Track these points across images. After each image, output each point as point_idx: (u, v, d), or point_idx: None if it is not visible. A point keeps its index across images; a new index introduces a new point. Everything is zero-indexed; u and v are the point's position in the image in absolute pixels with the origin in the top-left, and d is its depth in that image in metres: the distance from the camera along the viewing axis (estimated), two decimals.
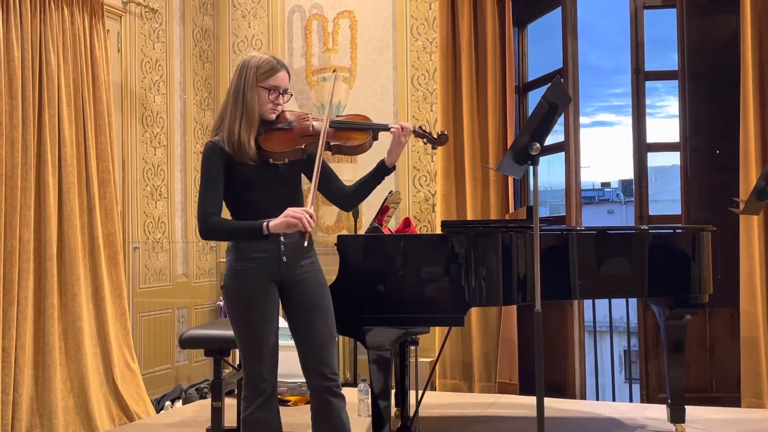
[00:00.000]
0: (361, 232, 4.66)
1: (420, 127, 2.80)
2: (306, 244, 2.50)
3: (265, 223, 2.51)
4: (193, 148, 5.44)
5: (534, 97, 5.35)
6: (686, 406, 3.64)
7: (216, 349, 3.42)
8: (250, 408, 2.60)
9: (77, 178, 4.17)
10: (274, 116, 2.68)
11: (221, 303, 5.55)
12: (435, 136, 2.80)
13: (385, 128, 2.72)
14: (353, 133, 2.71)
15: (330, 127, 2.67)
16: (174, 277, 5.21)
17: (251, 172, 2.60)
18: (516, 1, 5.16)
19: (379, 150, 2.79)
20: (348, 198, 2.81)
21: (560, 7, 5.04)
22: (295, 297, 2.66)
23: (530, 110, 5.18)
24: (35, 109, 3.96)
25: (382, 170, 2.72)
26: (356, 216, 5.01)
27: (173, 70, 5.26)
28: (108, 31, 4.52)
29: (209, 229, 2.58)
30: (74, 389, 4.07)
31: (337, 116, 2.76)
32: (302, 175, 2.78)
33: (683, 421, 3.62)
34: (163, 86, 5.14)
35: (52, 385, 3.93)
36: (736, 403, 4.46)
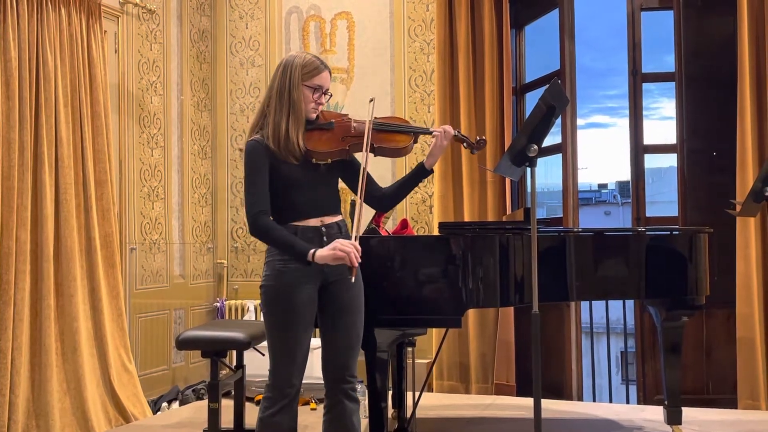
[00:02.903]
0: None
1: (458, 131, 2.83)
2: (353, 279, 2.48)
3: (311, 251, 2.49)
4: (190, 149, 5.44)
5: (531, 99, 5.35)
6: (683, 408, 3.64)
7: (213, 351, 3.41)
8: (271, 409, 2.58)
9: (74, 179, 4.16)
10: (315, 116, 2.67)
11: (218, 304, 5.54)
12: (473, 141, 2.84)
13: (428, 132, 2.76)
14: (396, 135, 2.72)
15: (374, 129, 2.66)
16: (171, 278, 5.20)
17: (293, 171, 2.60)
18: (513, 2, 5.16)
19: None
20: (386, 199, 2.83)
21: (557, 9, 5.05)
22: (332, 296, 2.66)
23: (527, 112, 5.18)
24: (32, 109, 3.96)
25: (422, 173, 2.75)
26: (353, 217, 5.00)
27: (170, 71, 5.25)
28: (105, 31, 4.51)
29: (258, 230, 2.56)
30: (71, 390, 4.06)
31: (377, 118, 2.75)
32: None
33: (680, 423, 3.63)
34: (160, 87, 5.14)
35: (48, 386, 3.92)
36: (732, 404, 4.47)
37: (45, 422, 3.89)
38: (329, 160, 2.65)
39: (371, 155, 2.68)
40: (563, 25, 5.02)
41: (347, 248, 2.46)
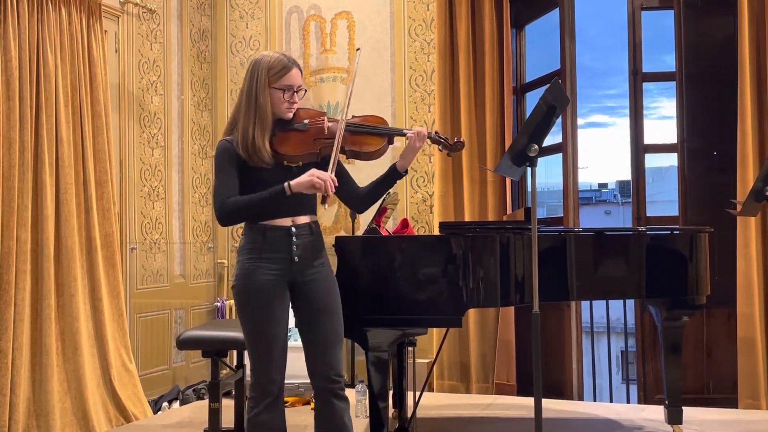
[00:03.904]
0: (359, 233, 4.66)
1: (436, 133, 2.79)
2: (326, 206, 2.52)
3: (286, 184, 2.50)
4: (190, 149, 5.44)
5: (532, 98, 5.35)
6: (683, 407, 3.64)
7: (213, 351, 3.42)
8: (256, 409, 2.60)
9: (74, 179, 4.16)
10: (290, 115, 2.66)
11: (218, 304, 5.55)
12: (451, 143, 2.79)
13: (401, 133, 2.72)
14: (369, 137, 2.69)
15: (346, 131, 2.65)
16: (171, 278, 5.20)
17: (265, 174, 2.59)
18: (514, 2, 5.16)
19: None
20: (361, 200, 2.82)
21: (558, 9, 5.05)
22: (305, 297, 2.66)
23: (528, 111, 5.19)
24: (32, 109, 3.95)
25: (394, 174, 2.73)
26: (354, 217, 5.01)
27: (171, 71, 5.25)
28: (105, 31, 4.51)
29: (228, 210, 2.54)
30: (71, 390, 4.06)
31: (353, 117, 2.74)
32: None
33: (680, 422, 3.63)
34: (160, 87, 5.13)
35: (49, 386, 3.92)
36: (733, 404, 4.47)
37: (45, 422, 3.89)
38: (300, 163, 2.65)
39: (343, 156, 2.69)
40: (563, 25, 5.02)
41: (324, 176, 2.48)
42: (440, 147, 2.79)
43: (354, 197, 2.81)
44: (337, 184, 2.52)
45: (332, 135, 2.64)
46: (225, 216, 2.57)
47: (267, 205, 2.55)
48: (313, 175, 2.49)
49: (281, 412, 2.65)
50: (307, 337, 2.67)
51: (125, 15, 4.81)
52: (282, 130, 2.64)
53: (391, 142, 2.73)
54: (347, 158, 2.73)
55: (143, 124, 4.97)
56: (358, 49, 2.80)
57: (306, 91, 2.76)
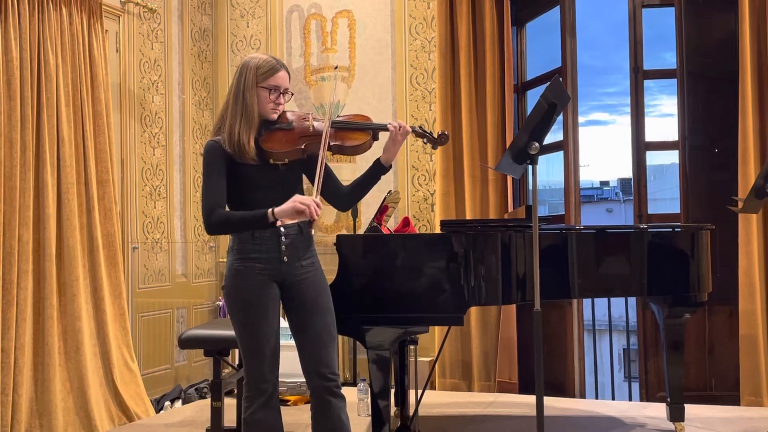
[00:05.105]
0: (360, 231, 4.66)
1: (420, 127, 2.78)
2: (312, 231, 2.53)
3: (270, 210, 2.50)
4: (191, 148, 5.44)
5: (533, 96, 5.35)
6: (685, 405, 3.65)
7: (215, 349, 3.42)
8: (251, 408, 2.61)
9: (76, 179, 4.16)
10: (275, 116, 2.68)
11: (220, 303, 5.55)
12: (435, 136, 2.78)
13: (385, 128, 2.71)
14: (354, 133, 2.70)
15: (331, 127, 2.67)
16: (173, 277, 5.21)
17: (252, 172, 2.60)
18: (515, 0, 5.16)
19: (379, 150, 2.79)
20: (345, 198, 2.80)
21: (558, 7, 5.04)
22: (296, 297, 2.66)
23: (529, 109, 5.19)
24: (34, 109, 3.96)
25: (378, 169, 2.71)
26: (355, 215, 5.01)
27: (172, 70, 5.26)
28: (106, 31, 4.51)
29: (215, 222, 2.56)
30: (74, 390, 4.07)
31: (338, 116, 2.76)
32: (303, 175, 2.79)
33: (682, 420, 3.63)
34: (161, 86, 5.14)
35: (51, 385, 3.93)
36: (735, 401, 4.47)
37: (48, 421, 3.90)
38: (286, 161, 2.65)
39: (329, 153, 2.69)
40: (564, 23, 5.02)
41: (307, 201, 2.47)
42: (425, 141, 2.79)
43: (338, 195, 2.80)
44: (321, 208, 2.51)
45: (316, 133, 2.65)
46: (211, 227, 2.58)
47: (252, 227, 2.56)
48: (295, 201, 2.48)
49: (276, 410, 2.65)
50: (300, 337, 2.68)
51: (126, 14, 4.81)
52: (268, 130, 2.66)
53: (376, 137, 2.73)
54: (332, 154, 2.74)
55: (144, 124, 4.97)
56: (336, 67, 2.82)
57: (293, 94, 2.78)
